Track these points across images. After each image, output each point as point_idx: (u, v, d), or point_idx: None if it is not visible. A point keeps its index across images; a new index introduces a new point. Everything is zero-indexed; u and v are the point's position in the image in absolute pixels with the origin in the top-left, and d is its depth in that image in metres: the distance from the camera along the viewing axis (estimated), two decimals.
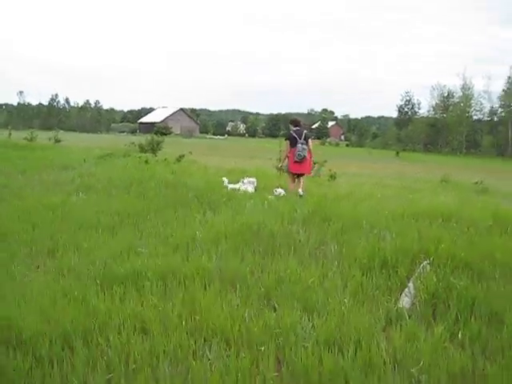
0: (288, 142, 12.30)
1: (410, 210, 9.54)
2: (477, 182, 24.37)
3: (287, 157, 12.43)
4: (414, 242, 6.65)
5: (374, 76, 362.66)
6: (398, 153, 75.95)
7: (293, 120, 13.12)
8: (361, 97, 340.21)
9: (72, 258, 6.56)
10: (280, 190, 11.75)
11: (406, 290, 5.51)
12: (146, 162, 18.60)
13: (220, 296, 5.20)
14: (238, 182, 12.51)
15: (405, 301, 5.32)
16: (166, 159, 22.83)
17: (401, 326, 4.76)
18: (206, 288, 5.42)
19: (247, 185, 12.14)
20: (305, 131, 12.38)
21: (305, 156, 11.99)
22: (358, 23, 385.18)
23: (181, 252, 6.65)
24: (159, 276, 5.71)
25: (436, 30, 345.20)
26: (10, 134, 38.72)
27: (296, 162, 12.06)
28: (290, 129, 12.79)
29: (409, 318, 4.96)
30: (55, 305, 4.99)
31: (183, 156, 25.13)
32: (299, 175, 12.36)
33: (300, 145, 11.93)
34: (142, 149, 33.48)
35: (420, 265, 5.96)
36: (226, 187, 11.69)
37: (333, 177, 20.54)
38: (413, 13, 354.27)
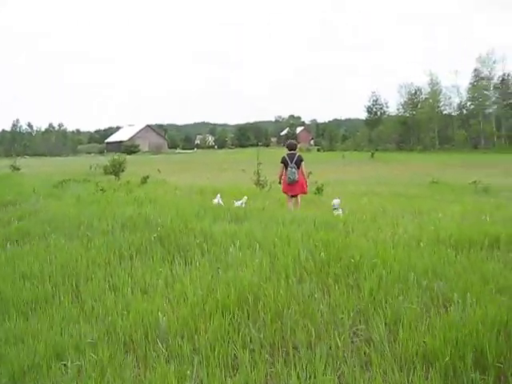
0: (282, 164, 13.05)
1: (445, 235, 7.23)
2: (475, 182, 22.40)
3: (281, 179, 13.25)
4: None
5: (337, 79, 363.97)
6: (372, 154, 74.06)
7: (288, 144, 13.81)
8: (325, 100, 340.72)
9: None
10: (242, 201, 13.01)
11: None
12: (102, 190, 15.97)
13: None
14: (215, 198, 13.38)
15: None
16: (128, 182, 20.33)
17: None
18: None
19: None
20: (297, 155, 13.04)
21: (294, 179, 12.70)
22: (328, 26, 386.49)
23: (130, 363, 4.12)
24: None
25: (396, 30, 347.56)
26: None
27: (288, 184, 12.87)
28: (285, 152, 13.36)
29: None
30: None
31: (147, 177, 22.58)
32: (293, 196, 13.05)
33: (290, 168, 12.73)
34: (106, 171, 30.76)
35: None
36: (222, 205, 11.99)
37: (319, 190, 18.24)
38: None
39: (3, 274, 6.56)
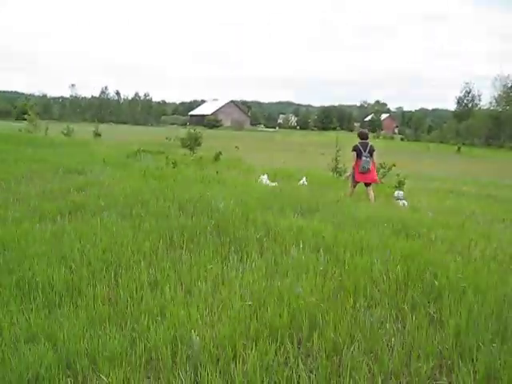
0: (355, 153, 12.95)
1: None
2: None
3: (353, 168, 13.07)
4: None
5: (426, 68, 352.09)
6: (459, 148, 70.61)
7: (360, 133, 13.74)
8: (414, 89, 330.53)
9: None
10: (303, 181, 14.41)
11: None
12: (174, 164, 15.38)
13: None
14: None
15: None
16: (201, 158, 19.71)
17: None
18: None
19: None
20: (370, 144, 13.05)
21: (368, 168, 12.75)
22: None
23: None
24: None
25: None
26: (46, 129, 36.47)
27: (361, 172, 12.81)
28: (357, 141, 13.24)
29: None
30: None
31: (221, 154, 21.84)
32: (366, 184, 13.04)
33: (364, 158, 12.72)
34: (183, 143, 30.39)
35: None
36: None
37: (401, 183, 16.92)
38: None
39: (42, 253, 5.95)
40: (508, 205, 14.89)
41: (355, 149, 13.02)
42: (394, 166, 18.29)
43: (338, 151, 18.73)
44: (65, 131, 37.70)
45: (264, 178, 14.47)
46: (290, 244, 6.33)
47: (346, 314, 4.07)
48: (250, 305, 4.39)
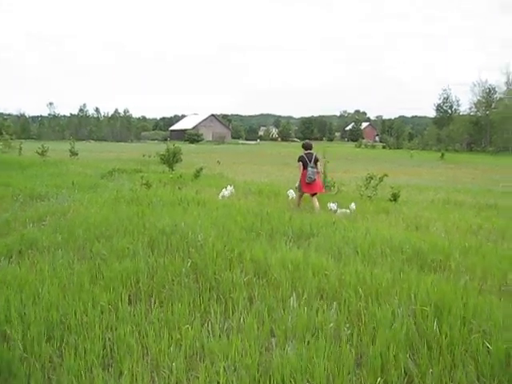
0: (301, 163, 13.10)
1: None
2: None
3: (300, 178, 13.14)
4: None
5: (403, 75, 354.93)
6: (443, 154, 69.84)
7: (304, 144, 13.99)
8: (392, 97, 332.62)
9: None
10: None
11: None
12: (147, 184, 14.06)
13: None
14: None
15: None
16: (180, 176, 18.38)
17: None
18: None
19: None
20: (315, 154, 13.21)
21: (314, 178, 12.89)
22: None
23: None
24: None
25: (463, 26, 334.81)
26: (20, 148, 35.04)
27: (307, 183, 12.94)
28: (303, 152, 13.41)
29: None
30: None
31: (201, 170, 20.57)
32: (312, 194, 13.10)
33: (310, 168, 12.87)
34: (163, 160, 28.99)
35: None
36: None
37: (396, 196, 15.72)
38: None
39: None
40: None
41: (301, 159, 13.16)
42: (387, 175, 17.05)
43: (326, 162, 17.43)
44: (39, 150, 36.17)
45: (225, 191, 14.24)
46: (287, 289, 5.05)
47: None
48: None
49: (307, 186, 12.97)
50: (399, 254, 6.80)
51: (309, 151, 13.29)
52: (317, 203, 12.79)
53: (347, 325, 4.14)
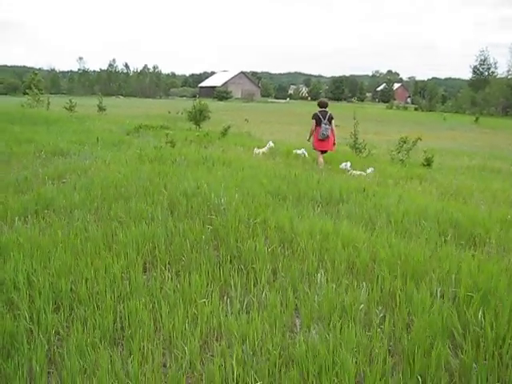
0: (314, 121, 13.13)
1: None
2: None
3: (312, 135, 13.27)
4: None
5: (437, 36, 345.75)
6: (477, 118, 67.98)
7: (319, 102, 13.93)
8: (426, 58, 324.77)
9: None
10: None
11: None
12: (171, 143, 13.67)
13: None
14: None
15: None
16: (207, 134, 17.98)
17: None
18: None
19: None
20: (329, 112, 13.17)
21: (327, 135, 12.94)
22: None
23: None
24: None
25: None
26: (48, 103, 34.99)
27: (319, 140, 13.07)
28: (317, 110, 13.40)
29: None
30: None
31: (228, 128, 20.13)
32: (322, 151, 13.28)
33: (324, 125, 12.91)
34: (190, 117, 28.55)
35: None
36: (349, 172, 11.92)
37: (429, 160, 15.11)
38: None
39: None
40: None
41: (314, 117, 13.21)
42: (420, 139, 16.39)
43: (355, 124, 16.76)
44: (67, 106, 36.00)
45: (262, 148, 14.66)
46: (314, 262, 4.66)
47: None
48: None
49: (319, 142, 13.13)
50: (435, 225, 6.35)
51: (323, 109, 13.32)
52: (321, 159, 13.10)
53: (379, 307, 3.76)
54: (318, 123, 13.01)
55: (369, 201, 7.74)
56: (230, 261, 4.81)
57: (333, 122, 13.18)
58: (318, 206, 7.41)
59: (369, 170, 12.13)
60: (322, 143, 13.10)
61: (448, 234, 6.04)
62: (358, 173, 11.86)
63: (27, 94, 36.45)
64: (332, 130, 13.09)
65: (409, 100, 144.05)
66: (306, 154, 14.52)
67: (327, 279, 4.33)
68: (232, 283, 4.34)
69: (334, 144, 13.45)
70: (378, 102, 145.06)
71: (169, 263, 4.83)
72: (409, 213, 6.89)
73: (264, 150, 14.67)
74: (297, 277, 4.39)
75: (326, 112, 13.17)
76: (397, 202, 7.72)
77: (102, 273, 4.44)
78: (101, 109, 38.30)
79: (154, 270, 4.71)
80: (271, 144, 14.90)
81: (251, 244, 5.02)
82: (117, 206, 6.44)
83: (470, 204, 8.75)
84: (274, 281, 4.44)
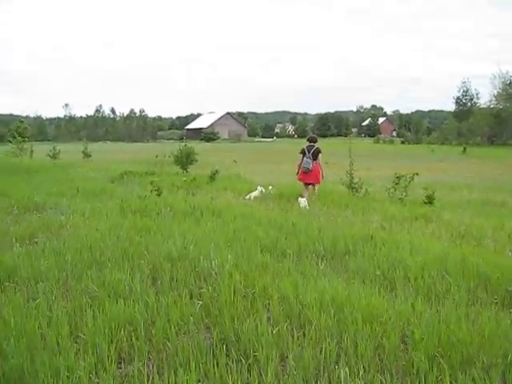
0: (301, 155, 14.03)
1: None
2: None
3: (298, 167, 14.09)
4: None
5: (418, 69, 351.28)
6: (465, 149, 67.83)
7: (308, 137, 15.06)
8: (409, 91, 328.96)
9: None
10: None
11: None
12: (158, 190, 12.72)
13: None
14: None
15: None
16: (194, 179, 17.07)
17: None
18: None
19: None
20: (315, 147, 13.98)
21: (309, 168, 13.69)
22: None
23: None
24: None
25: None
26: (31, 151, 34.21)
27: (303, 172, 13.87)
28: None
29: None
30: None
31: (217, 172, 19.32)
32: (307, 184, 14.06)
33: (306, 158, 13.78)
34: (177, 160, 27.72)
35: None
36: None
37: (430, 198, 14.26)
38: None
39: None
40: None
41: (301, 151, 14.13)
42: (417, 174, 15.54)
43: (351, 163, 15.84)
44: (51, 153, 35.15)
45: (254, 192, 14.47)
46: (332, 349, 3.70)
47: None
48: None
49: (303, 174, 13.95)
50: (461, 280, 5.45)
51: (311, 143, 14.15)
52: (306, 194, 13.75)
53: None
54: (304, 157, 13.87)
55: (378, 251, 6.85)
56: (226, 348, 3.86)
57: (320, 156, 13.97)
58: (322, 259, 6.52)
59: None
60: (305, 176, 13.92)
61: (478, 292, 5.15)
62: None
63: (11, 142, 35.65)
64: (318, 164, 13.86)
65: (394, 133, 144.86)
66: (263, 190, 14.49)
67: (350, 372, 3.38)
68: (230, 382, 3.39)
69: (322, 177, 14.15)
70: (364, 136, 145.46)
71: (149, 354, 3.86)
72: (428, 266, 5.99)
73: (255, 194, 14.21)
74: (311, 371, 3.44)
75: (313, 146, 14.02)
76: (409, 251, 6.84)
77: (64, 375, 3.46)
78: (86, 155, 37.47)
79: (131, 364, 3.74)
80: (261, 189, 14.53)
81: (251, 324, 4.07)
82: (89, 276, 5.46)
83: (488, 248, 7.87)
84: (283, 375, 3.48)
